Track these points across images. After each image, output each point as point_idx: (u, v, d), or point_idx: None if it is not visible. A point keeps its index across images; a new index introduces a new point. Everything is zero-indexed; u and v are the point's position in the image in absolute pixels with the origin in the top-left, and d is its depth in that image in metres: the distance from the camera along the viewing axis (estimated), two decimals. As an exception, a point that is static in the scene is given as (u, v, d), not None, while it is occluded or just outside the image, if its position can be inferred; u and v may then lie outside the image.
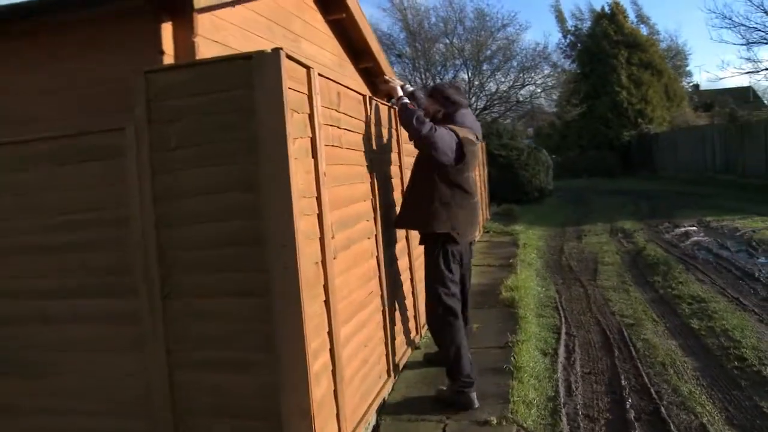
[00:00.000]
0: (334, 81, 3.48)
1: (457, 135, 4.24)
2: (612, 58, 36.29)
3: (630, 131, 35.22)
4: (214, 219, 2.83)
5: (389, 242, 4.57)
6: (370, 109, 4.22)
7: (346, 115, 3.64)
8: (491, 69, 24.38)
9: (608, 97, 35.65)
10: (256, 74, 2.69)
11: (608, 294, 7.52)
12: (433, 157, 4.14)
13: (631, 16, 39.92)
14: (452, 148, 4.18)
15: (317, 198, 3.02)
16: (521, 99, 24.76)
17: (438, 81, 24.08)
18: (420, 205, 4.29)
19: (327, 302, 3.07)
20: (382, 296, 4.20)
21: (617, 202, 19.80)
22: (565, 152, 35.72)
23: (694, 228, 12.29)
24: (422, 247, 4.55)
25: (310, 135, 2.98)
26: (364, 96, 4.10)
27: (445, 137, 4.14)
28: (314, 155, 3.01)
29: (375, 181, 4.16)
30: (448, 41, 25.13)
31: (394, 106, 4.76)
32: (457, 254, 4.37)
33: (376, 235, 4.14)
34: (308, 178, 2.92)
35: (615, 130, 35.59)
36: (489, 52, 24.65)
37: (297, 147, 2.79)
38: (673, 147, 30.41)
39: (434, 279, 4.31)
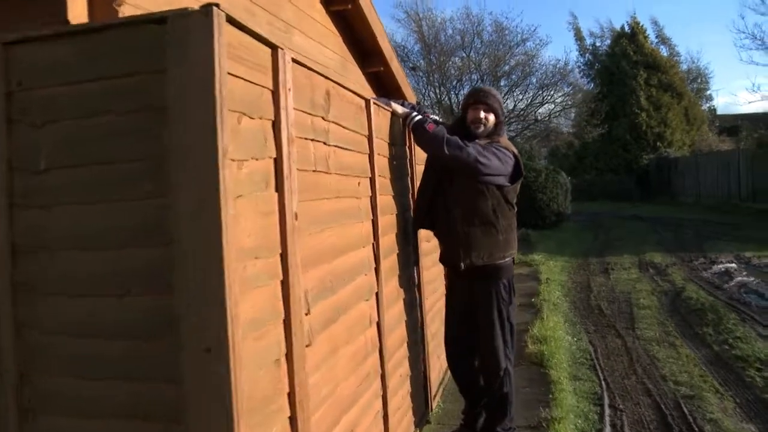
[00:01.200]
0: (321, 75, 2.36)
1: (513, 153, 3.62)
2: (631, 78, 35.08)
3: (649, 155, 33.99)
4: (98, 290, 1.68)
5: (396, 297, 3.43)
6: (376, 119, 3.10)
7: (338, 125, 2.52)
8: (509, 85, 23.29)
9: (627, 119, 34.42)
10: (172, 48, 1.57)
11: (652, 349, 6.32)
12: (485, 181, 3.49)
13: (652, 36, 38.80)
14: (508, 170, 3.58)
15: (282, 255, 1.88)
16: (539, 118, 23.60)
17: (449, 94, 23.03)
18: (488, 232, 3.56)
19: (293, 419, 1.93)
20: (383, 375, 3.06)
21: (639, 229, 18.56)
22: (582, 174, 34.48)
23: (734, 265, 11.06)
24: (435, 296, 3.59)
25: (273, 155, 1.86)
26: (366, 100, 2.98)
27: (494, 160, 3.50)
28: (279, 187, 1.88)
29: (378, 218, 3.02)
30: (464, 55, 24.07)
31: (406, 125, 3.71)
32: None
33: (377, 293, 2.99)
34: (265, 225, 1.79)
35: (633, 153, 34.35)
36: (507, 67, 23.57)
37: (245, 175, 1.66)
38: (694, 172, 29.12)
39: (500, 335, 3.62)
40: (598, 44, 39.90)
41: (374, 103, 3.07)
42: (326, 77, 2.41)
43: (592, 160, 35.42)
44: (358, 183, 2.79)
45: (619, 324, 7.40)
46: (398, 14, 45.72)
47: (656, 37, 39.73)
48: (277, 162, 1.87)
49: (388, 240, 3.29)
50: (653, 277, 10.40)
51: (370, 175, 2.96)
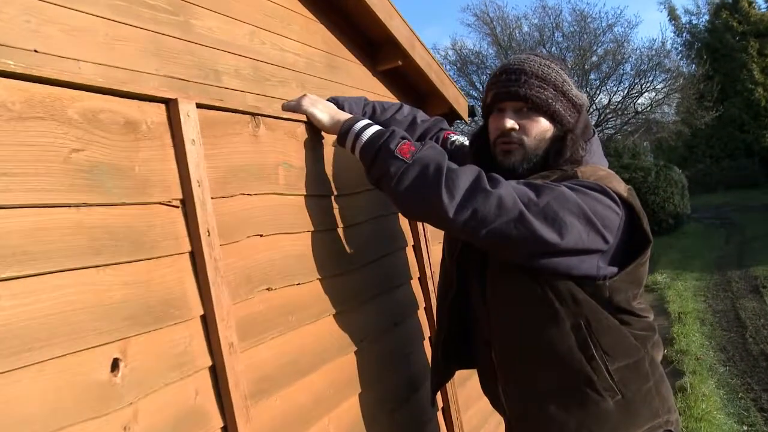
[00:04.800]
0: None
1: (614, 195, 1.50)
2: (740, 51, 31.75)
3: (772, 132, 30.48)
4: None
5: None
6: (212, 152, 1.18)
7: None
8: (600, 78, 20.62)
9: (740, 98, 31.11)
10: None
11: None
12: (547, 269, 1.46)
13: (760, 0, 34.88)
14: (607, 238, 1.46)
15: None
16: (639, 109, 20.77)
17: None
18: (575, 398, 1.50)
19: None
20: None
21: (780, 223, 15.52)
22: (694, 165, 31.18)
23: None
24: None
25: None
26: (167, 102, 1.07)
27: (568, 218, 1.41)
28: None
29: (240, 412, 1.08)
30: (545, 51, 21.68)
31: (339, 145, 1.66)
32: None
33: None
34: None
35: (753, 133, 30.99)
36: (595, 58, 20.93)
37: None
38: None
39: None
40: (695, 22, 36.39)
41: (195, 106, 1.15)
42: None
43: (704, 147, 32.15)
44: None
45: (805, 386, 5.03)
46: (467, 18, 43.43)
47: (765, 1, 35.86)
48: None
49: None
50: (828, 295, 7.79)
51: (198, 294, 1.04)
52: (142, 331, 0.95)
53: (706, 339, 6.71)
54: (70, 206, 0.87)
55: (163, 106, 1.07)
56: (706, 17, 35.68)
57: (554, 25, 21.77)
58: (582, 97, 1.68)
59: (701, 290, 9.30)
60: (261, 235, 1.28)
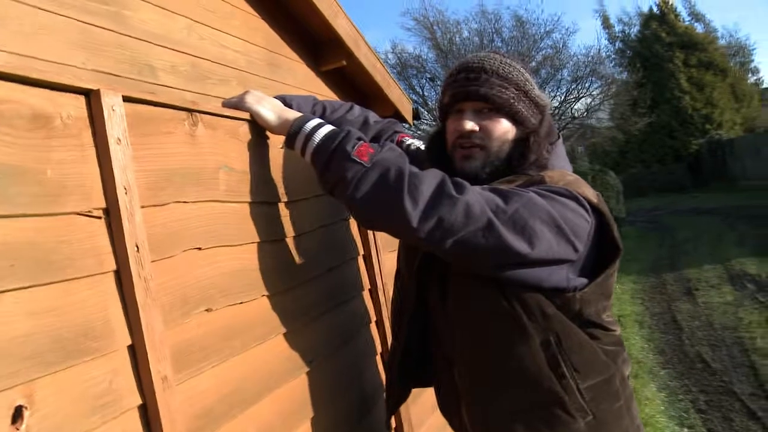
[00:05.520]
0: None
1: (583, 200, 1.40)
2: (667, 61, 33.00)
3: (698, 139, 31.61)
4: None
5: None
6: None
7: None
8: (539, 83, 20.88)
9: (668, 105, 32.27)
10: None
11: (815, 440, 4.07)
12: (516, 281, 1.34)
13: (684, 14, 36.36)
14: (577, 246, 1.35)
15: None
16: (576, 115, 21.18)
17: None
18: (544, 420, 1.38)
19: None
20: None
21: (708, 225, 16.00)
22: (626, 169, 32.11)
23: None
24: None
25: None
26: (91, 93, 0.91)
27: (537, 226, 1.30)
28: None
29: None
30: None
31: (289, 148, 1.50)
32: None
33: None
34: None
35: (680, 139, 32.19)
36: (534, 63, 21.22)
37: None
38: (754, 153, 26.44)
39: None
40: (627, 31, 37.48)
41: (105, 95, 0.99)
42: None
43: (636, 152, 33.15)
44: None
45: (740, 387, 5.12)
46: (407, 22, 43.66)
47: (689, 14, 37.28)
48: None
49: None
50: (755, 296, 8.01)
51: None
52: (53, 370, 0.79)
53: (645, 342, 6.80)
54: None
55: (82, 98, 0.91)
56: (638, 27, 36.85)
57: (494, 30, 21.96)
58: (544, 97, 1.59)
59: (638, 293, 9.47)
60: (199, 249, 1.12)
